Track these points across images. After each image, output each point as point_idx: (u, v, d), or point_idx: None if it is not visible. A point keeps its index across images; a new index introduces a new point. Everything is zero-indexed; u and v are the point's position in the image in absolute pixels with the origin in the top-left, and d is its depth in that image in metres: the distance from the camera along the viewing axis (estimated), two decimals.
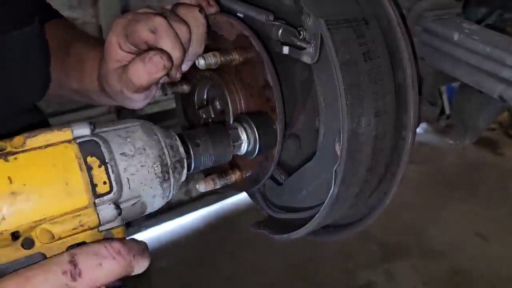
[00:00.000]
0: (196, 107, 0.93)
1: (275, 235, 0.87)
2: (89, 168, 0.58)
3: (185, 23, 0.79)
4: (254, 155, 0.80)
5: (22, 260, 0.58)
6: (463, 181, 4.32)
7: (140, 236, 3.47)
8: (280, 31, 0.78)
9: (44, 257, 0.58)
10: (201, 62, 0.78)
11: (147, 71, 0.76)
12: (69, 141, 0.58)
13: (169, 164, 0.66)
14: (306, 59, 0.76)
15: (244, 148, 0.79)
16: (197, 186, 0.84)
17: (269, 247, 3.36)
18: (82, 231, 0.60)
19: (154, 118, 3.55)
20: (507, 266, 3.36)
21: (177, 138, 0.70)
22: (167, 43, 0.75)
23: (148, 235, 3.53)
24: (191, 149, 0.72)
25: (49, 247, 0.59)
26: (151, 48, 0.77)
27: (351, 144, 0.70)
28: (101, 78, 0.90)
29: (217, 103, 0.90)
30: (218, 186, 0.86)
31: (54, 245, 0.59)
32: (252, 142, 0.79)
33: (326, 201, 0.75)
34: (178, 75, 0.80)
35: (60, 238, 0.58)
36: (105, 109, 3.30)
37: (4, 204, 0.54)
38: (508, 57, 0.80)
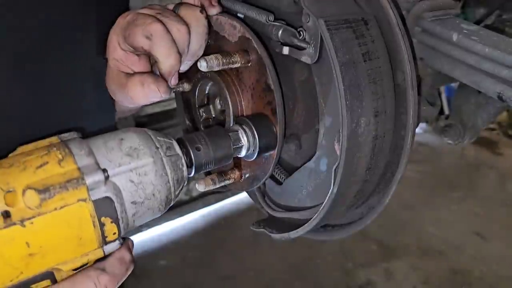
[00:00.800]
0: (197, 106, 0.94)
1: (275, 234, 0.87)
2: (102, 225, 0.61)
3: (185, 23, 0.79)
4: (254, 157, 0.81)
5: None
6: (462, 181, 4.32)
7: (140, 236, 3.47)
8: (280, 32, 0.78)
9: (52, 275, 0.63)
10: (203, 65, 0.79)
11: (145, 94, 0.78)
12: (84, 200, 0.59)
13: (172, 198, 0.68)
14: (306, 59, 0.76)
15: (244, 151, 0.80)
16: (196, 185, 0.85)
17: (269, 247, 3.36)
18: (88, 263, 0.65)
19: (155, 118, 3.56)
20: (507, 266, 3.36)
21: (183, 164, 0.70)
22: (161, 51, 0.75)
23: (148, 235, 3.53)
24: (193, 161, 0.73)
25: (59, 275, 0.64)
26: (148, 54, 0.77)
27: (351, 144, 0.71)
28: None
29: (218, 102, 0.90)
30: (217, 186, 0.86)
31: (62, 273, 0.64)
32: (252, 145, 0.79)
33: (325, 201, 0.76)
34: (173, 81, 0.79)
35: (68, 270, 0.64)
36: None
37: (21, 264, 0.57)
38: (506, 57, 0.80)
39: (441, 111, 1.11)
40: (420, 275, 3.33)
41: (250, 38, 0.80)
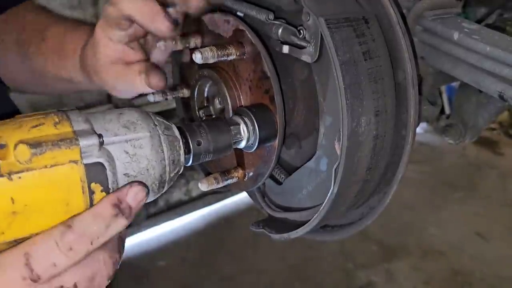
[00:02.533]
0: (197, 109, 0.94)
1: (275, 235, 0.87)
2: (92, 193, 0.59)
3: None
4: (254, 148, 0.80)
5: None
6: (463, 181, 4.32)
7: (140, 236, 3.47)
8: (280, 30, 0.78)
9: None
10: (198, 56, 0.78)
11: (144, 82, 0.80)
12: (75, 162, 0.57)
13: (167, 179, 0.66)
14: (306, 58, 0.76)
15: (244, 141, 0.79)
16: (199, 185, 0.83)
17: (269, 247, 3.36)
18: None
19: None
20: (507, 266, 3.36)
21: (181, 146, 0.69)
22: (125, 6, 0.75)
23: (148, 235, 3.53)
24: (191, 149, 0.72)
25: None
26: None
27: (351, 143, 0.70)
28: (87, 68, 0.89)
29: (217, 101, 0.90)
30: (220, 185, 0.85)
31: None
32: (252, 134, 0.78)
33: (325, 201, 0.75)
34: (163, 27, 0.76)
35: None
36: (105, 109, 3.30)
37: (4, 222, 0.55)
38: (508, 56, 0.80)
39: (442, 111, 1.10)
40: (421, 275, 3.33)
41: (244, 29, 0.80)
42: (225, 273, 3.30)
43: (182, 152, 0.69)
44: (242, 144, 0.80)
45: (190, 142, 0.72)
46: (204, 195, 3.79)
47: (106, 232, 0.58)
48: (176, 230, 3.66)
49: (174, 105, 1.03)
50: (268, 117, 0.79)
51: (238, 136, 0.78)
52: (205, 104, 0.92)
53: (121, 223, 0.59)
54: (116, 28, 0.79)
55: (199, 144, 0.72)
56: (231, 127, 0.77)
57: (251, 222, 0.93)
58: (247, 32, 0.79)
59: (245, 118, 0.78)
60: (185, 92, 0.92)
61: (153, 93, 0.87)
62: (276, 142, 0.80)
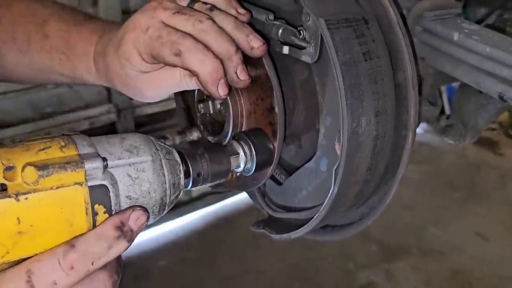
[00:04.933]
0: (196, 100, 0.93)
1: (275, 235, 0.87)
2: (95, 214, 0.60)
3: (214, 23, 0.73)
4: (249, 174, 0.82)
5: None
6: (463, 181, 4.31)
7: (140, 236, 3.46)
8: (280, 31, 0.78)
9: None
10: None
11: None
12: (80, 184, 0.59)
13: (167, 202, 0.68)
14: (306, 58, 0.76)
15: (240, 169, 0.81)
16: None
17: (269, 247, 3.35)
18: None
19: (155, 118, 3.56)
20: (508, 267, 3.36)
21: (181, 170, 0.70)
22: (194, 63, 0.70)
23: (148, 235, 3.52)
24: (191, 175, 0.74)
25: None
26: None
27: (351, 143, 0.70)
28: (110, 75, 0.83)
29: (218, 101, 0.90)
30: (208, 185, 0.85)
31: None
32: (249, 162, 0.80)
33: (326, 201, 0.75)
34: (221, 92, 0.72)
35: None
36: (105, 109, 3.30)
37: (9, 241, 0.56)
38: (508, 57, 0.80)
39: (442, 111, 1.10)
40: (421, 275, 3.33)
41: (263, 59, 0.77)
42: (225, 273, 3.30)
43: (182, 176, 0.70)
44: (239, 170, 0.81)
45: (191, 170, 0.73)
46: (204, 195, 3.79)
47: (108, 253, 0.59)
48: (176, 230, 3.66)
49: (174, 105, 1.03)
50: (267, 148, 0.80)
51: (236, 164, 0.80)
52: (205, 97, 0.92)
53: (123, 245, 0.60)
54: (160, 62, 0.74)
55: (199, 175, 0.74)
56: (231, 158, 0.79)
57: (251, 222, 0.93)
58: (264, 61, 0.77)
59: (244, 147, 0.79)
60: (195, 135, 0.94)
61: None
62: (270, 169, 0.82)
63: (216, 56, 0.71)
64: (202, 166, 0.75)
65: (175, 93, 1.00)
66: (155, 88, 0.80)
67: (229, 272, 3.31)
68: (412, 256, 3.49)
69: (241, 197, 3.80)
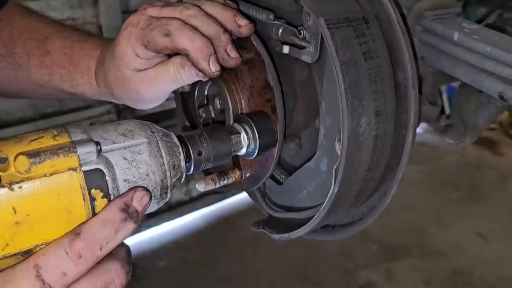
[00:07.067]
0: (196, 106, 0.93)
1: (275, 235, 0.87)
2: (92, 199, 0.60)
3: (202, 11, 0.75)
4: (254, 156, 0.80)
5: None
6: (463, 181, 4.31)
7: (140, 236, 3.47)
8: (280, 30, 0.78)
9: None
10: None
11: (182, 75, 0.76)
12: (74, 169, 0.58)
13: (169, 185, 0.67)
14: (306, 58, 0.76)
15: (244, 149, 0.80)
16: (196, 185, 0.84)
17: (269, 247, 3.35)
18: None
19: (155, 118, 3.55)
20: (508, 267, 3.36)
21: (180, 152, 0.69)
22: (183, 40, 0.72)
23: (148, 235, 3.52)
24: (192, 158, 0.73)
25: None
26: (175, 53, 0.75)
27: (351, 143, 0.70)
28: (109, 83, 0.85)
29: (217, 102, 0.90)
30: (217, 186, 0.86)
31: None
32: (252, 144, 0.79)
33: (326, 201, 0.75)
34: (213, 68, 0.73)
35: None
36: (105, 109, 3.30)
37: (7, 233, 0.56)
38: (508, 56, 0.80)
39: (442, 111, 1.10)
40: (421, 275, 3.33)
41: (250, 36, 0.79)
42: (225, 273, 3.30)
43: (182, 157, 0.69)
44: (242, 152, 0.80)
45: (191, 150, 0.72)
46: (204, 195, 3.79)
47: (116, 237, 0.59)
48: (176, 230, 3.66)
49: (173, 105, 1.03)
50: (268, 126, 0.79)
51: (239, 144, 0.78)
52: (205, 103, 0.92)
53: (130, 227, 0.60)
54: (153, 51, 0.76)
55: (200, 154, 0.73)
56: (232, 136, 0.77)
57: (251, 222, 0.93)
58: (252, 39, 0.79)
59: (245, 127, 0.79)
60: (186, 88, 0.88)
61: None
62: (275, 150, 0.80)
63: (205, 36, 0.73)
64: (201, 145, 0.73)
65: (175, 93, 1.00)
66: (152, 86, 0.80)
67: (229, 272, 3.31)
68: (412, 256, 3.49)
69: (241, 197, 3.80)
